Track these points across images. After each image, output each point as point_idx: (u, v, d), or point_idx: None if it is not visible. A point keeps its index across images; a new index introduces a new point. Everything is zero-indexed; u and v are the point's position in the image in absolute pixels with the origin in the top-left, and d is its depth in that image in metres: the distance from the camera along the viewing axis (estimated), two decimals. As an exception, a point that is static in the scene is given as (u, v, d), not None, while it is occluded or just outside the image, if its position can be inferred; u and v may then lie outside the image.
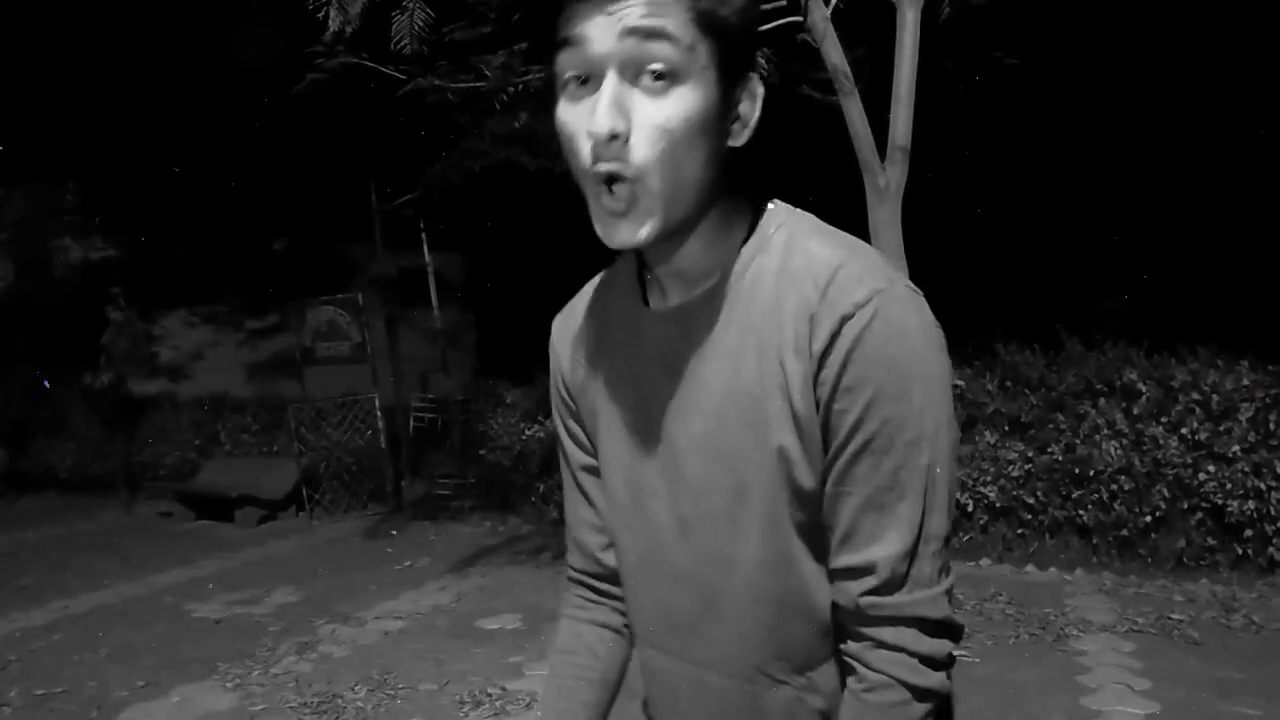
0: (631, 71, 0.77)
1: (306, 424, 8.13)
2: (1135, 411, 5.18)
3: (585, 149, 0.79)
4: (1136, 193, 7.68)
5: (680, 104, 0.77)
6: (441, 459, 8.05)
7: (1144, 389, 5.18)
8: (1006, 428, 5.48)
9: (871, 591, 0.82)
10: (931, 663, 0.83)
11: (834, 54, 3.68)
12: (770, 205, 0.91)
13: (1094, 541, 5.27)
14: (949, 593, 0.84)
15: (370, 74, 4.67)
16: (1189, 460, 4.98)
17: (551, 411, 1.09)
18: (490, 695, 3.90)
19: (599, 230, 0.82)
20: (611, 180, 0.79)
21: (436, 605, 5.27)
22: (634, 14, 0.76)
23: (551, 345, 1.07)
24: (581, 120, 0.79)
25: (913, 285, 0.83)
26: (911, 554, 0.81)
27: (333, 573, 6.14)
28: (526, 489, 7.22)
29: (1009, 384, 5.54)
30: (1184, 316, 6.23)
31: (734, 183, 0.88)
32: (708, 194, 0.83)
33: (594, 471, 1.04)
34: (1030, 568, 5.30)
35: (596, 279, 1.06)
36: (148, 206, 9.99)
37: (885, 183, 3.77)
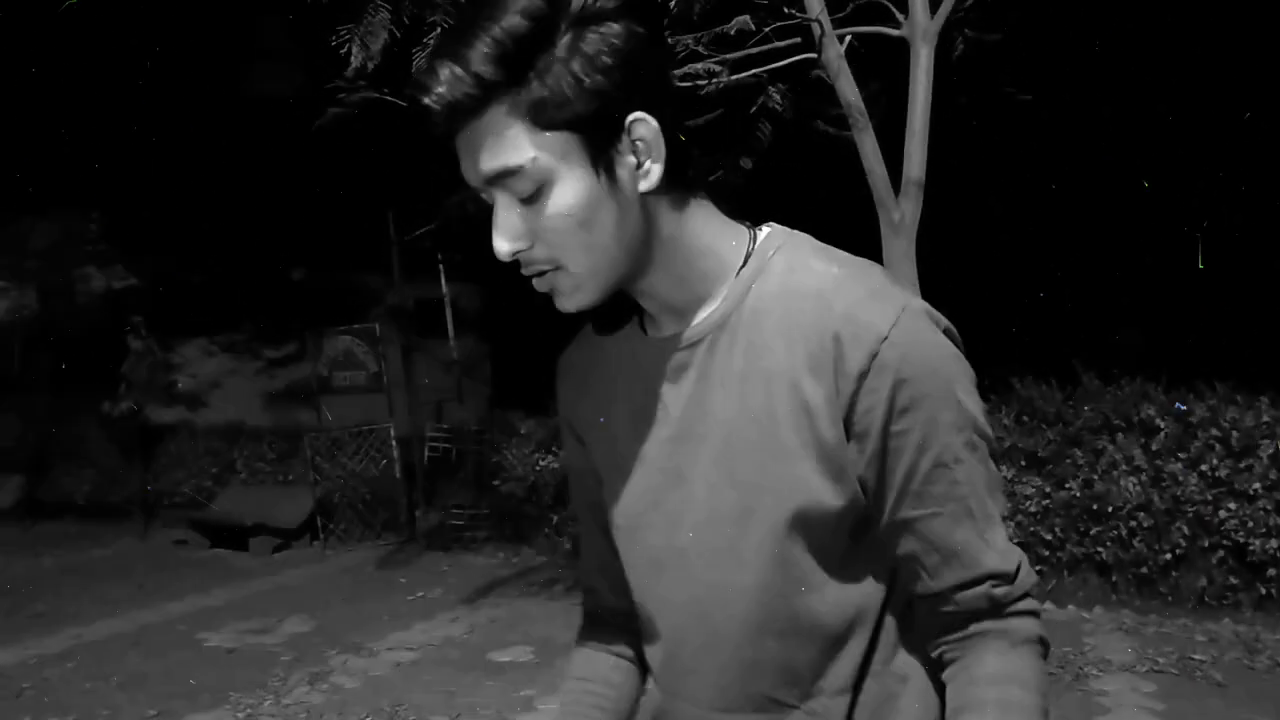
0: (507, 196, 0.82)
1: (322, 453, 8.15)
2: (1154, 447, 5.13)
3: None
4: (1154, 226, 7.66)
5: (556, 203, 0.80)
6: (456, 489, 8.05)
7: (1162, 425, 5.13)
8: (1023, 463, 5.44)
9: (999, 589, 0.86)
10: (1039, 616, 0.89)
11: (848, 90, 3.72)
12: (766, 229, 0.91)
13: (1113, 579, 5.20)
14: None
15: (391, 108, 4.74)
16: (1209, 497, 4.92)
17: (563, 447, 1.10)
18: (501, 729, 3.88)
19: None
20: (534, 274, 0.85)
21: (449, 637, 5.25)
22: (484, 161, 0.79)
23: (557, 382, 1.06)
24: None
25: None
26: (1009, 540, 0.87)
27: (345, 602, 6.13)
28: (540, 520, 7.20)
29: (1026, 418, 5.51)
30: (1202, 351, 6.18)
31: (731, 211, 0.89)
32: (640, 242, 0.84)
33: (601, 509, 1.04)
34: (1048, 605, 5.22)
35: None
36: (170, 236, 10.13)
37: (900, 217, 3.79)
